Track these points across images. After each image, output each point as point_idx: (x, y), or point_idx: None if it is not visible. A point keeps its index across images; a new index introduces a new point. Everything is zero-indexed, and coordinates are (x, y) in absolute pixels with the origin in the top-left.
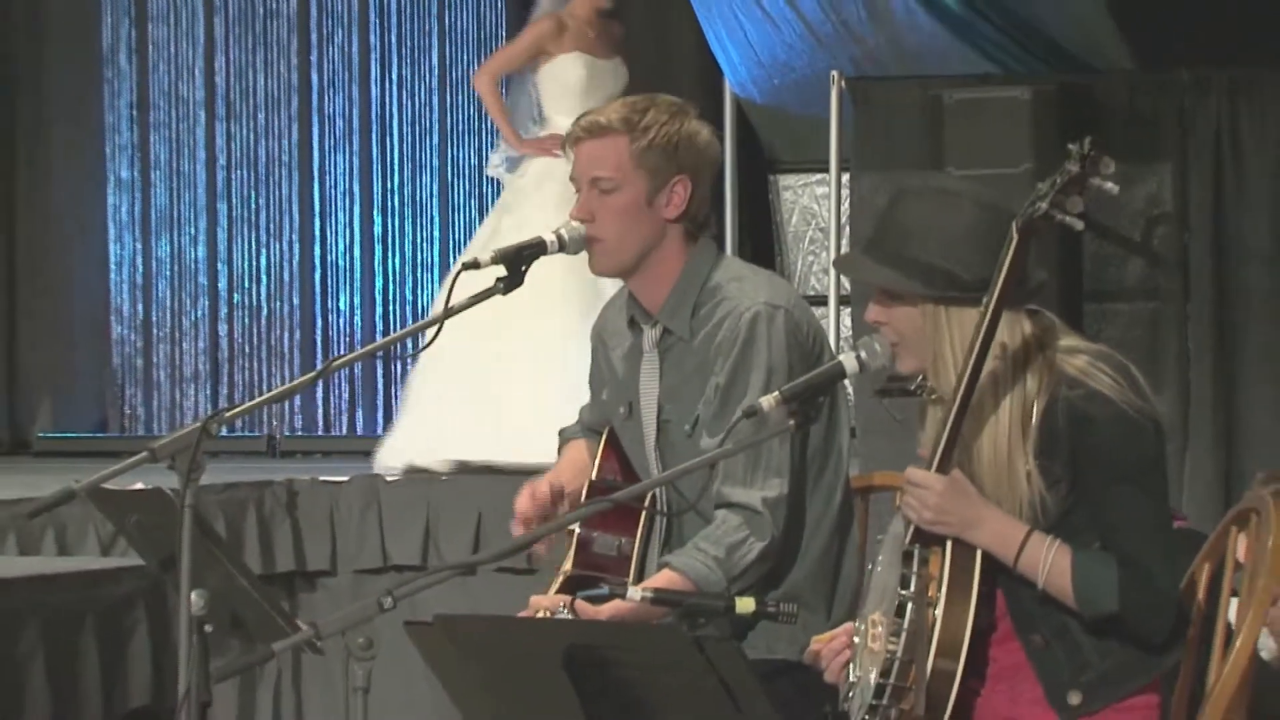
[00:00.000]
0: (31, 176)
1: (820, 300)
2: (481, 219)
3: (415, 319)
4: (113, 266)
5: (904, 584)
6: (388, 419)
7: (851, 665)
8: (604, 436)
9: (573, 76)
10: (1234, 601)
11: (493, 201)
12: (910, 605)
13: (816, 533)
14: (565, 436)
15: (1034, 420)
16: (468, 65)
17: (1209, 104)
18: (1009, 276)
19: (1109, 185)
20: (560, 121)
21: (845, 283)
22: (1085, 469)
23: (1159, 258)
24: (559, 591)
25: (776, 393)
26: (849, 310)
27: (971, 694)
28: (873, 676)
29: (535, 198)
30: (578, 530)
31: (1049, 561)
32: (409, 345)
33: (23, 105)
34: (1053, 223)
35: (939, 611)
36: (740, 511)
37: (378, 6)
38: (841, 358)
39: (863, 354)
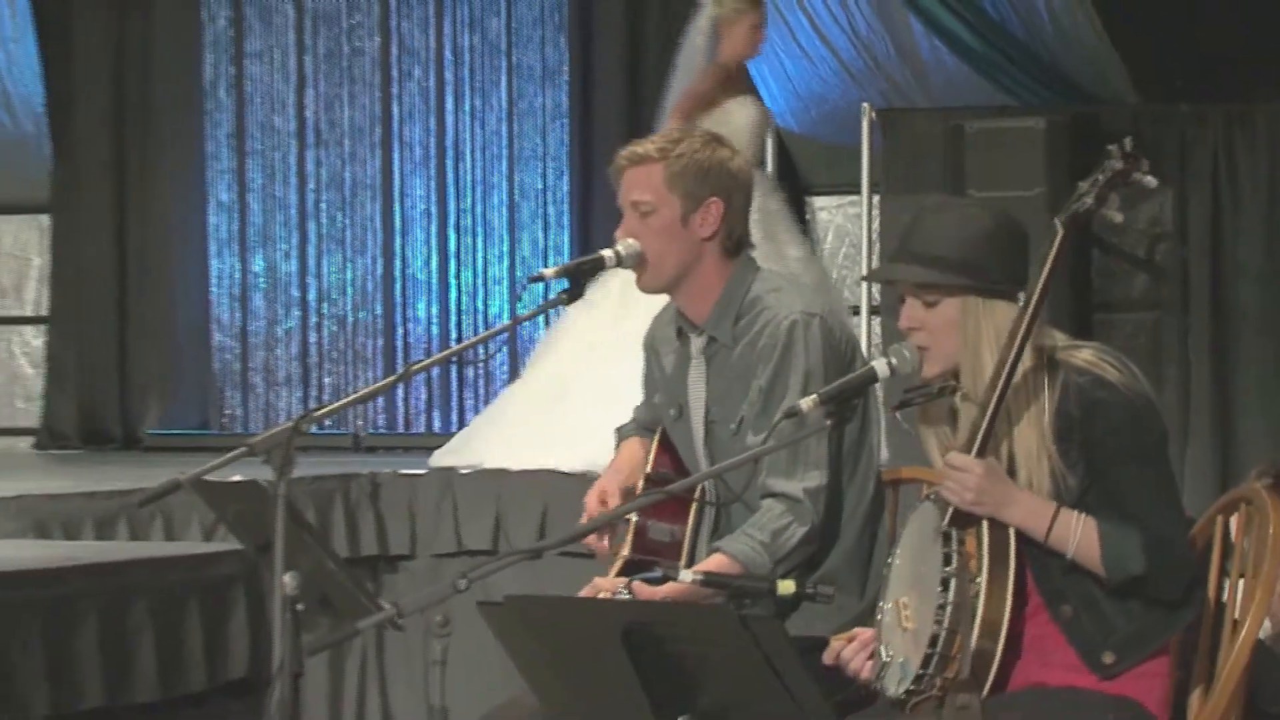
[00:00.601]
0: (141, 199)
1: (854, 310)
2: (546, 237)
3: (485, 327)
4: (213, 280)
5: (946, 561)
6: (461, 418)
7: (881, 648)
8: (657, 436)
9: (743, 119)
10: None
11: (555, 220)
12: (953, 580)
13: (851, 521)
14: (622, 435)
15: (1050, 408)
16: (533, 97)
17: (1207, 134)
18: (1053, 268)
19: (1148, 179)
20: None
21: (875, 294)
22: (1098, 449)
23: (1161, 273)
24: (619, 574)
25: (814, 395)
26: (879, 319)
27: (1006, 664)
28: (910, 655)
29: None
30: (635, 519)
31: (1078, 533)
32: (480, 351)
33: (133, 135)
34: (1094, 216)
35: (982, 589)
36: (784, 500)
37: (452, 45)
38: (873, 363)
39: (893, 360)
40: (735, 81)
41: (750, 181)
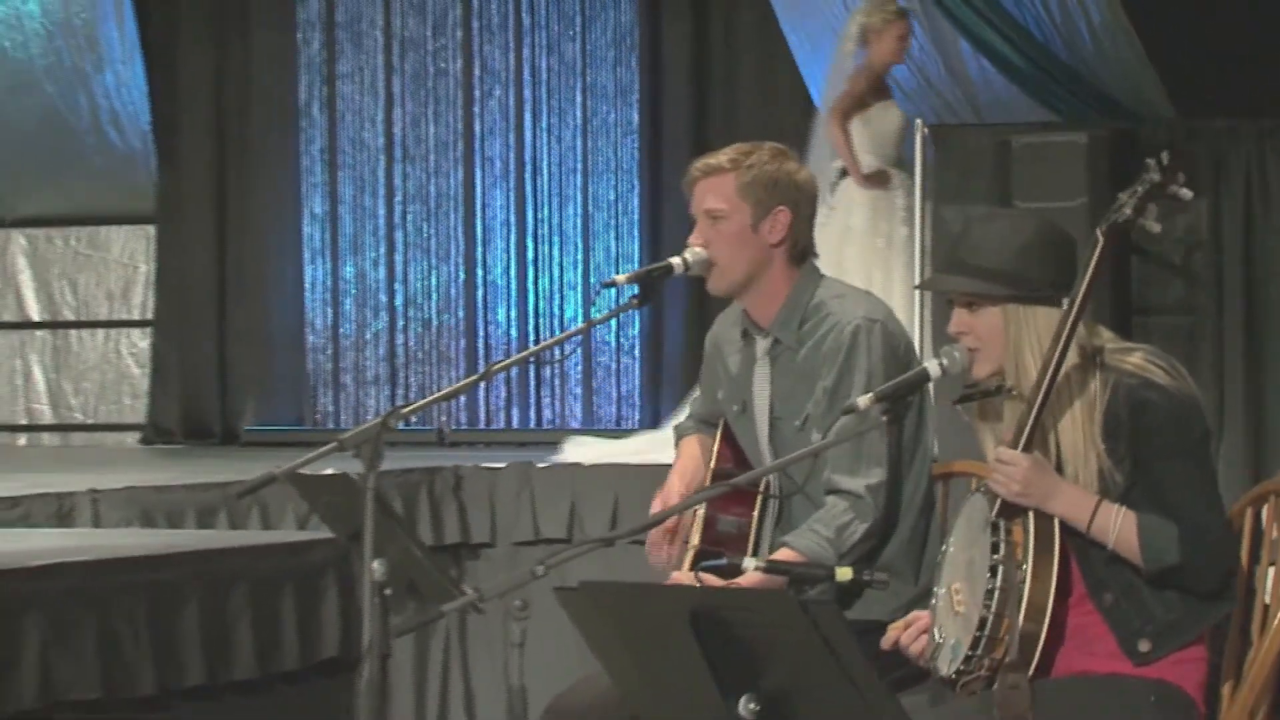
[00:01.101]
0: (240, 211)
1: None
2: (618, 245)
3: (561, 330)
4: (307, 286)
5: (994, 550)
6: (539, 415)
7: (935, 630)
8: (720, 430)
9: (891, 123)
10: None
11: (626, 229)
12: (1000, 567)
13: (908, 512)
14: (680, 433)
15: (1100, 407)
16: (605, 115)
17: (1239, 148)
18: (1094, 276)
19: (1184, 191)
20: (867, 160)
21: (929, 299)
22: (1143, 446)
23: (1196, 278)
24: (690, 564)
25: (871, 393)
26: (931, 323)
27: (1050, 651)
28: (961, 636)
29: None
30: (703, 511)
31: (1118, 524)
32: (556, 352)
33: (233, 151)
34: (1134, 226)
35: (1027, 575)
36: (847, 497)
37: (530, 67)
38: (927, 364)
39: (944, 361)
40: (881, 86)
41: (815, 193)
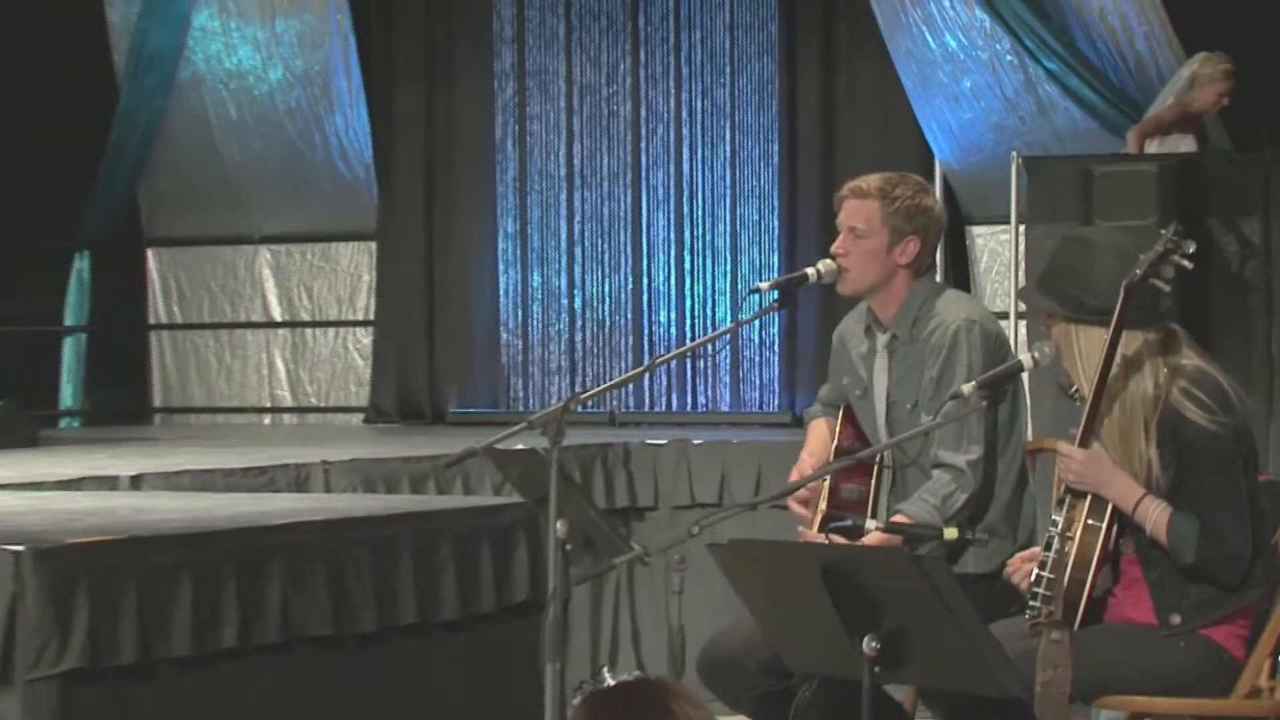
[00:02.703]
0: (445, 230)
1: (1003, 315)
2: (760, 258)
3: (712, 329)
4: (501, 293)
5: (1053, 525)
6: (694, 401)
7: (1035, 570)
8: (842, 412)
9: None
10: None
11: (767, 245)
12: (1055, 540)
13: (1005, 482)
14: (808, 417)
15: (1155, 417)
16: (750, 149)
17: None
18: (1119, 319)
19: (1186, 263)
20: None
21: (1022, 304)
22: (1184, 459)
23: (1249, 286)
24: (819, 525)
25: (973, 382)
26: (1024, 322)
27: (1106, 597)
28: (1032, 584)
29: None
30: (829, 480)
31: (1153, 516)
32: (710, 348)
33: (440, 179)
34: (1148, 284)
35: (1075, 541)
36: (950, 470)
37: (688, 109)
38: (1021, 356)
39: (1035, 354)
40: (1189, 123)
41: (943, 223)
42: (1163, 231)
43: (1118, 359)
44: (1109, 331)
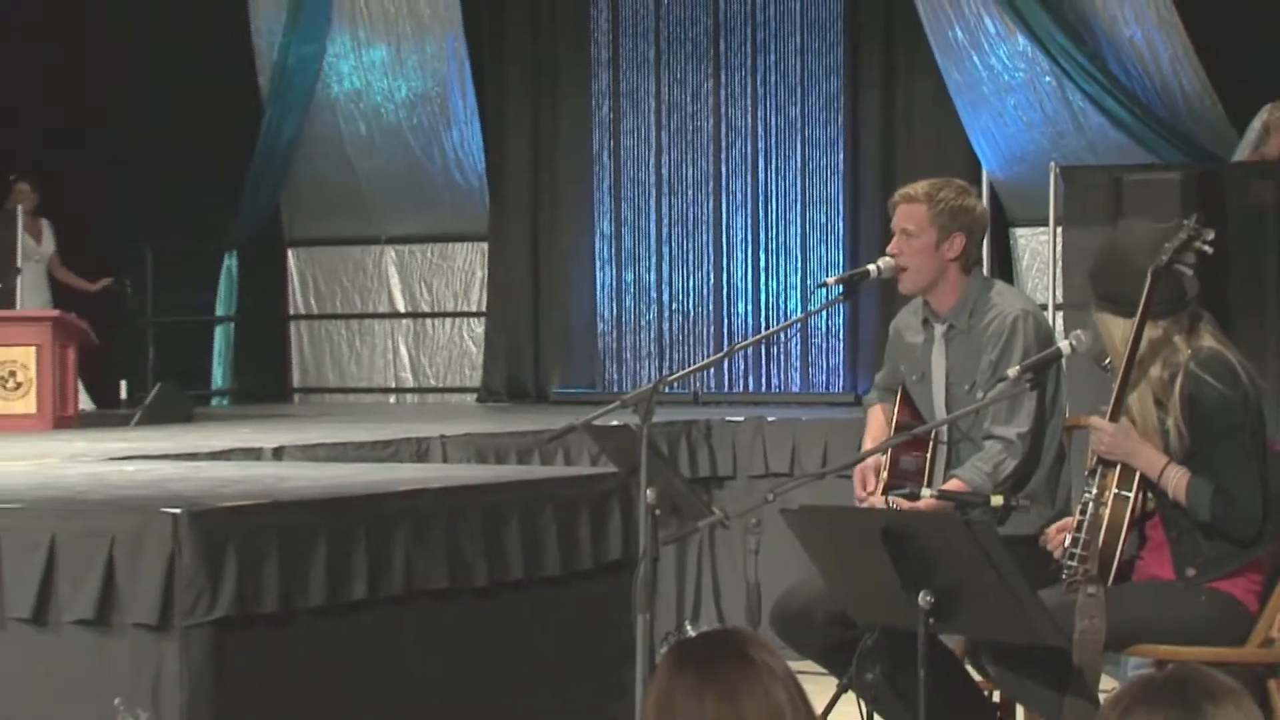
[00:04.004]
0: (550, 231)
1: (1043, 306)
2: (827, 256)
3: (785, 319)
4: (598, 288)
5: (1086, 491)
6: (768, 383)
7: (1068, 536)
8: (899, 395)
9: None
10: None
11: (834, 245)
12: (1090, 505)
13: (1047, 453)
14: (867, 403)
15: (1176, 393)
16: (819, 160)
17: None
18: (1147, 302)
19: (1207, 247)
20: None
21: (1058, 295)
22: (1200, 428)
23: (1265, 279)
24: (881, 493)
25: (1017, 365)
26: (1061, 314)
27: (1134, 560)
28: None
29: None
30: (890, 453)
31: (1175, 481)
32: (782, 336)
33: (544, 187)
34: (1173, 269)
35: (1107, 507)
36: (1001, 441)
37: (764, 124)
38: (1060, 344)
39: (1073, 342)
40: (1267, 165)
41: (987, 222)
42: (1185, 222)
43: (1144, 342)
44: (1136, 322)
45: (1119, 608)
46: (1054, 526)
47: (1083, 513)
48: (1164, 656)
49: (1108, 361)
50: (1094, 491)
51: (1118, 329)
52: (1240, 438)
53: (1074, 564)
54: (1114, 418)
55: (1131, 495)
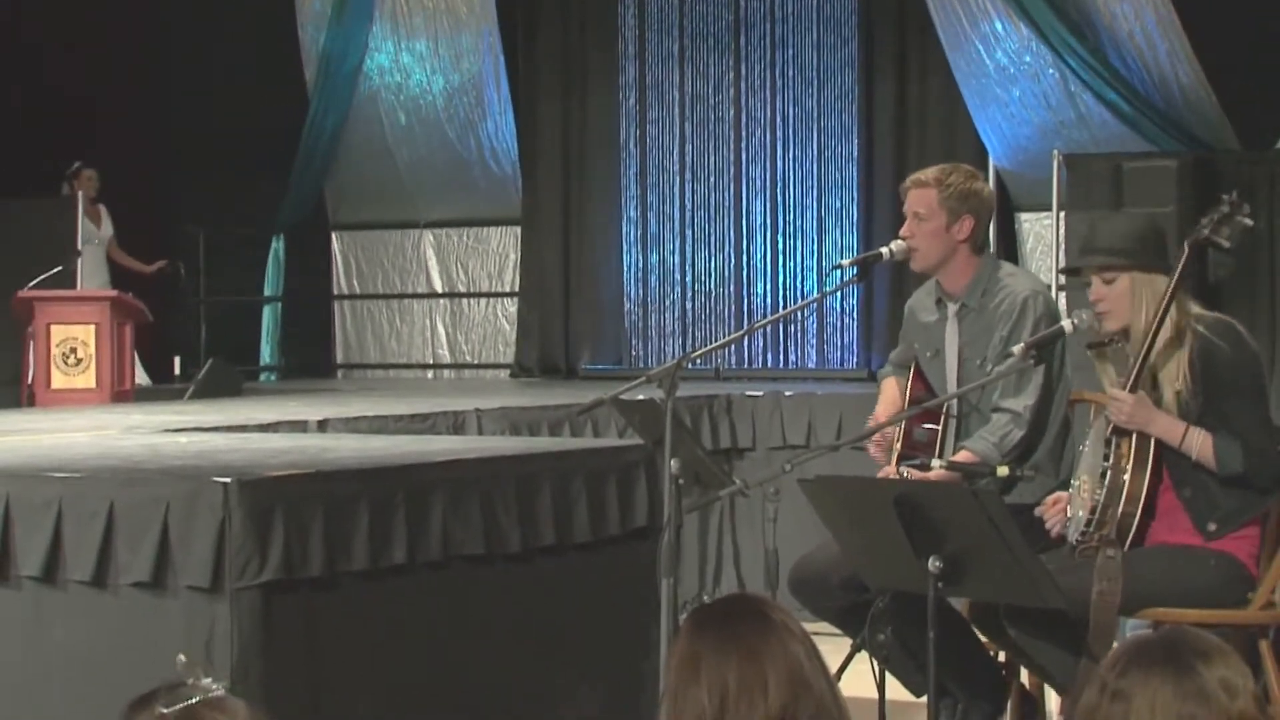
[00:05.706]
0: (579, 216)
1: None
2: (841, 240)
3: (802, 299)
4: (625, 269)
5: (1106, 458)
6: (785, 359)
7: (1068, 508)
8: (912, 370)
9: None
10: None
11: (848, 229)
12: (1109, 472)
13: (1051, 426)
14: (881, 376)
15: (1185, 359)
16: (834, 148)
17: None
18: (1184, 269)
19: (1248, 220)
20: None
21: (1061, 277)
22: (1212, 386)
23: (1257, 269)
24: (894, 462)
25: (1022, 343)
26: (1064, 294)
27: (1144, 529)
28: (1082, 513)
29: None
30: (904, 425)
31: (1198, 442)
32: (799, 316)
33: (574, 174)
34: (1210, 242)
35: (1127, 477)
36: (1009, 414)
37: (781, 114)
38: (1063, 322)
39: (1075, 320)
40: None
41: (994, 205)
42: (1224, 196)
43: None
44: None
45: (1131, 573)
46: (1050, 499)
47: (1102, 476)
48: (1173, 619)
49: (1112, 339)
50: (1111, 460)
51: (1157, 287)
52: (1255, 391)
53: (1090, 529)
54: (1133, 389)
55: (1147, 472)
